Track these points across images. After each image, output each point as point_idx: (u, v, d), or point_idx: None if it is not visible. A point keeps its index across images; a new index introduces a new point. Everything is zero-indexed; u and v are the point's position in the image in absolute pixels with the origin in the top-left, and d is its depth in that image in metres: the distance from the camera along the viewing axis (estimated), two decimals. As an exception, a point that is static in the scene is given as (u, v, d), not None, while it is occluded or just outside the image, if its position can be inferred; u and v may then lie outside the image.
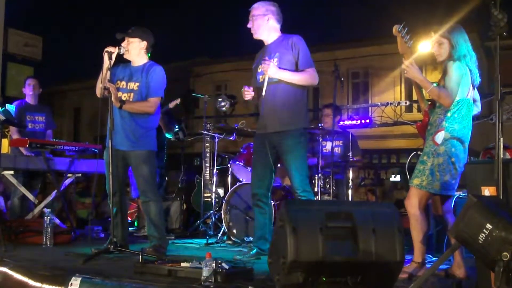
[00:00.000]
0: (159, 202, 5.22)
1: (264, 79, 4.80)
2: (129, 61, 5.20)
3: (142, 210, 7.26)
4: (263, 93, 4.78)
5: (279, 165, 5.97)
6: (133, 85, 5.09)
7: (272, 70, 4.73)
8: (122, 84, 5.12)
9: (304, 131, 4.97)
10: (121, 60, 5.12)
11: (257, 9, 4.97)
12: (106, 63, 4.85)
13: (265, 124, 4.95)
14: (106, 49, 4.87)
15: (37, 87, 7.23)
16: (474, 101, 4.23)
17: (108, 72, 4.84)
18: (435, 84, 4.16)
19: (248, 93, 4.91)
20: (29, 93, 7.16)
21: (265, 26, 4.97)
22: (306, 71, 4.85)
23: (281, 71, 4.77)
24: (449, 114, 4.05)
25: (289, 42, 4.90)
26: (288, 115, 4.85)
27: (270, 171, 5.06)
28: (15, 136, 6.79)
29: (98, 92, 5.08)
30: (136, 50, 5.13)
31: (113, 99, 4.87)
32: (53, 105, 27.85)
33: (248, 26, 5.01)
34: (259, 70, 4.96)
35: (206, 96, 8.40)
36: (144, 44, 5.16)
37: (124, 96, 5.06)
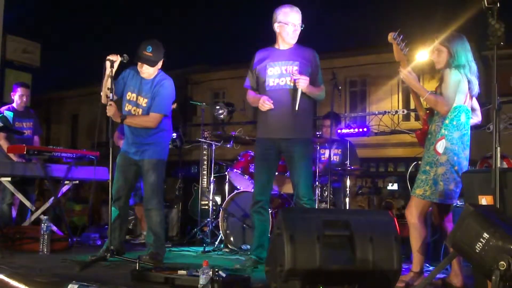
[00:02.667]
0: (162, 211, 5.19)
1: (297, 94, 4.71)
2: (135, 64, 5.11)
3: (139, 217, 7.28)
4: (296, 108, 4.70)
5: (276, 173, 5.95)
6: (142, 101, 5.05)
7: (305, 85, 4.70)
8: (133, 96, 5.08)
9: (311, 141, 4.98)
10: (124, 66, 5.05)
11: (300, 19, 4.90)
12: (108, 70, 4.82)
13: (274, 129, 4.87)
14: (108, 57, 4.81)
15: (29, 97, 7.20)
16: (474, 110, 4.24)
17: (109, 80, 4.81)
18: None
19: (269, 105, 4.79)
20: (20, 103, 7.10)
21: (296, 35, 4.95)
22: (321, 87, 4.92)
23: (310, 86, 4.75)
24: (447, 122, 4.05)
25: (310, 55, 4.89)
26: (299, 122, 4.81)
27: (273, 177, 5.04)
28: (2, 142, 6.75)
29: (103, 100, 5.08)
30: (155, 70, 5.07)
31: (113, 118, 4.87)
32: (50, 112, 27.88)
33: (293, 34, 4.88)
34: (270, 73, 4.88)
35: (204, 103, 8.41)
36: (161, 63, 5.07)
37: (134, 110, 5.07)
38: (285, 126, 4.79)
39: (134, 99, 5.08)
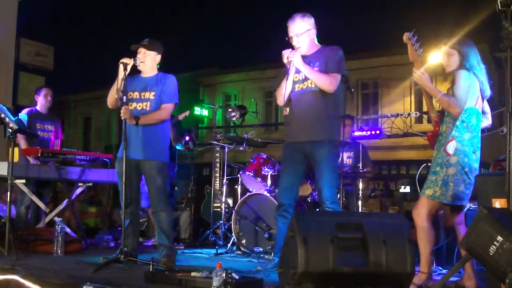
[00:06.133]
0: (170, 213, 5.26)
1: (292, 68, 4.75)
2: (135, 73, 5.21)
3: (151, 219, 7.31)
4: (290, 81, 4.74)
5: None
6: (149, 95, 5.15)
7: (296, 59, 4.68)
8: (135, 94, 5.16)
9: (338, 143, 4.88)
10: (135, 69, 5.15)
11: (300, 27, 4.84)
12: (121, 73, 4.88)
13: (297, 132, 4.87)
14: (121, 60, 4.90)
15: (52, 99, 7.27)
16: (484, 113, 4.24)
17: (123, 83, 4.87)
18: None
19: (291, 53, 4.72)
20: (44, 103, 7.17)
21: (310, 40, 4.89)
22: (328, 74, 4.74)
23: (304, 64, 4.71)
24: (457, 123, 4.07)
25: (326, 52, 4.85)
26: (321, 124, 4.76)
27: (298, 181, 4.99)
28: (22, 144, 6.80)
29: (110, 103, 5.13)
30: (151, 62, 5.20)
31: (128, 120, 4.90)
32: (63, 115, 28.06)
33: (296, 45, 4.84)
34: (296, 79, 4.89)
35: (216, 106, 8.44)
36: (159, 57, 5.25)
37: (139, 106, 5.12)
38: (308, 128, 4.78)
39: (137, 97, 5.17)
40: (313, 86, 4.78)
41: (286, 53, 4.74)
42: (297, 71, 4.88)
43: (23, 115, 6.99)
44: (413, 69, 4.19)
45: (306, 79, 4.82)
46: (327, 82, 4.72)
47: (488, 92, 4.17)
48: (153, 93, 5.14)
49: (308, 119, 4.80)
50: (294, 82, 4.91)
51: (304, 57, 4.84)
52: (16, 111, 7.26)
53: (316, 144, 4.76)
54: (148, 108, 5.12)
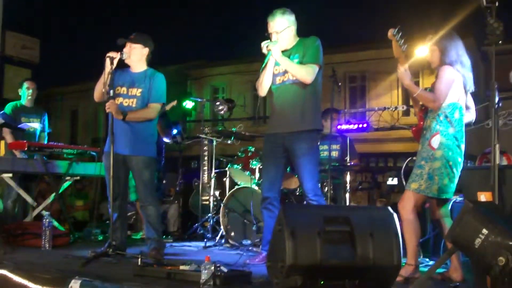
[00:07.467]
0: (158, 206, 5.26)
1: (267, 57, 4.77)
2: (125, 66, 5.20)
3: (140, 213, 7.31)
4: (262, 66, 4.75)
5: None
6: (136, 91, 5.12)
7: (275, 50, 4.70)
8: (123, 90, 5.13)
9: (317, 134, 4.89)
10: (118, 65, 5.11)
11: (280, 24, 4.84)
12: (108, 67, 4.86)
13: (276, 124, 4.88)
14: (108, 54, 4.87)
15: (36, 91, 7.20)
16: (468, 108, 4.28)
17: (109, 77, 4.85)
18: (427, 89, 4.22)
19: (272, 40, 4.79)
20: (27, 96, 7.11)
21: (290, 36, 4.90)
22: (305, 65, 4.75)
23: (282, 56, 4.73)
24: (441, 118, 4.10)
25: (303, 43, 4.86)
26: (300, 115, 4.76)
27: (281, 173, 4.97)
28: (8, 137, 6.75)
29: (97, 96, 5.11)
30: (137, 56, 5.16)
31: (114, 115, 4.88)
32: (50, 108, 27.84)
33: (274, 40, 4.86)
34: (276, 72, 4.90)
35: (204, 99, 8.43)
36: (146, 50, 5.20)
37: (126, 102, 5.10)
38: (287, 120, 4.79)
39: (125, 92, 5.14)
40: (292, 78, 4.79)
41: (265, 43, 4.75)
42: (277, 64, 4.89)
43: (8, 110, 6.92)
44: (398, 65, 4.23)
45: (286, 71, 4.84)
46: (304, 73, 4.72)
47: (470, 85, 4.20)
48: (140, 90, 5.11)
49: (288, 110, 4.81)
50: (275, 75, 4.92)
51: (284, 51, 4.86)
52: (2, 104, 7.21)
53: (295, 135, 4.76)
54: (134, 105, 5.09)
